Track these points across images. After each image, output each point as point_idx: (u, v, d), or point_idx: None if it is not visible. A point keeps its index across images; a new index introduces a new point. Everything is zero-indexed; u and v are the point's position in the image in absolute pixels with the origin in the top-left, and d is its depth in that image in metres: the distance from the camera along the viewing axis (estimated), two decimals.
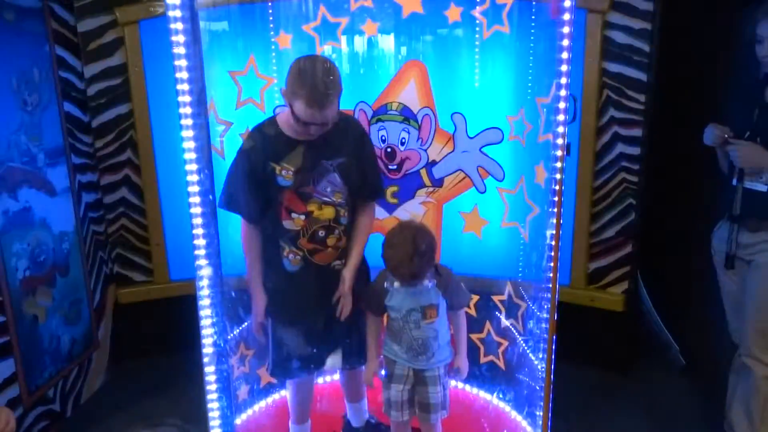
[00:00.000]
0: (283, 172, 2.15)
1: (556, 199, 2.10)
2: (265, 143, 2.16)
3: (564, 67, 2.02)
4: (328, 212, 2.20)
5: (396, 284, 2.18)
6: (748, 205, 2.35)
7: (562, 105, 2.02)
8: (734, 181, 2.37)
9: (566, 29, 2.00)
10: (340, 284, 2.26)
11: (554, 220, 2.13)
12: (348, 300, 2.26)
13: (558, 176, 2.09)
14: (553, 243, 2.15)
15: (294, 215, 2.20)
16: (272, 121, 2.20)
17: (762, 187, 2.30)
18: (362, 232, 2.31)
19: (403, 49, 2.67)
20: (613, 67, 2.86)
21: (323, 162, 2.16)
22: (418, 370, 2.26)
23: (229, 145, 2.51)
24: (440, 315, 2.22)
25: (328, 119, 2.05)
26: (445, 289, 2.21)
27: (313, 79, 1.98)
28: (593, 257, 3.11)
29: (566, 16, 1.99)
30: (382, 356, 2.34)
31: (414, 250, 2.05)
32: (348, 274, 2.26)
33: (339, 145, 2.17)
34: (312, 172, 2.16)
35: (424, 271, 2.13)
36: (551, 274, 2.17)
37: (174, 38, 1.90)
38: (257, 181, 2.16)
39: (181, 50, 1.91)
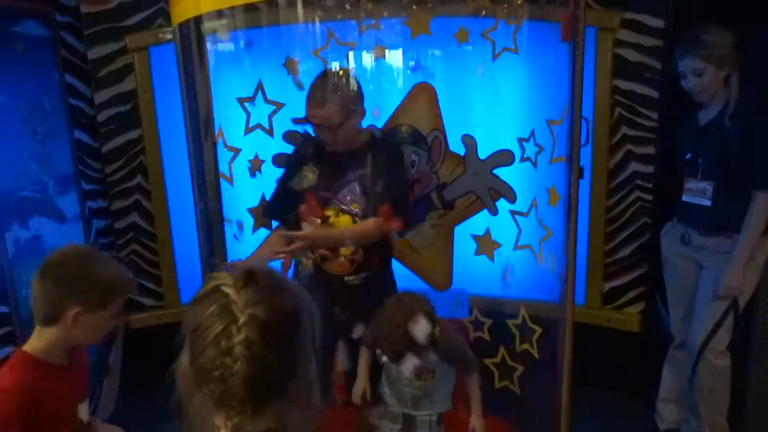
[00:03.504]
0: (309, 174, 2.24)
1: (569, 221, 2.07)
2: (300, 147, 2.34)
3: (575, 88, 1.99)
4: (344, 221, 2.20)
5: None
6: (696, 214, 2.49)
7: (574, 127, 1.99)
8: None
9: (577, 49, 1.98)
10: None
11: (568, 242, 2.10)
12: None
13: (572, 198, 2.05)
14: (568, 265, 2.11)
15: (312, 218, 2.24)
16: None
17: (706, 202, 2.42)
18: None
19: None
20: (625, 85, 2.83)
21: (346, 170, 2.21)
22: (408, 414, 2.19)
23: (237, 171, 2.49)
24: (437, 377, 2.11)
25: (325, 118, 2.10)
26: (443, 356, 2.08)
27: (320, 77, 2.11)
28: (608, 277, 3.06)
29: (577, 36, 1.97)
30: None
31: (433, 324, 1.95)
32: None
33: (365, 160, 2.22)
34: (334, 177, 2.22)
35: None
36: (567, 297, 2.12)
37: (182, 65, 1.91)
38: (289, 182, 2.30)
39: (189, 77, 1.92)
